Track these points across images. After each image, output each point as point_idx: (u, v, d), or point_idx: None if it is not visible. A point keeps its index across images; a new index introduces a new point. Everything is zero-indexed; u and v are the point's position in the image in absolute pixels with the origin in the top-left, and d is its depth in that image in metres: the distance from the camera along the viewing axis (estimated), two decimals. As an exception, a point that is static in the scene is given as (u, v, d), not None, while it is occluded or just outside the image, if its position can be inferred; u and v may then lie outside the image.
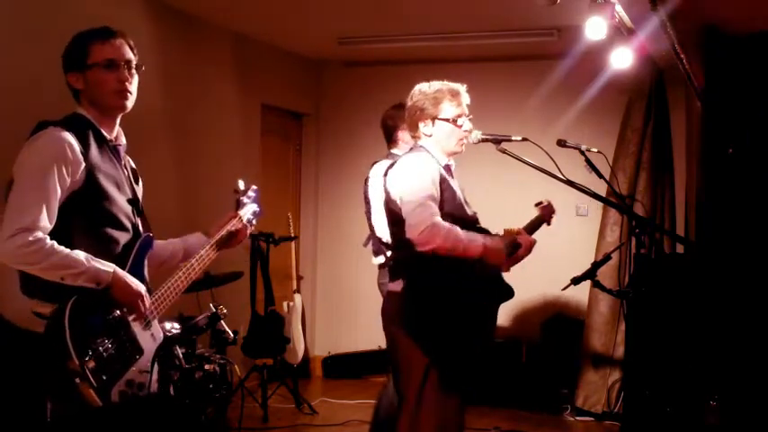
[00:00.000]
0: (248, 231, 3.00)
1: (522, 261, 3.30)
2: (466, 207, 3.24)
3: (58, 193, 2.40)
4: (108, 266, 2.44)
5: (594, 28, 4.26)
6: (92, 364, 2.30)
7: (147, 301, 2.54)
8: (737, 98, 5.12)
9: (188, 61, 5.61)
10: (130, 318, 2.49)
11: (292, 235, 6.53)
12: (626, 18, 4.55)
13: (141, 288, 2.52)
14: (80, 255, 2.39)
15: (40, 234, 2.34)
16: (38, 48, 4.42)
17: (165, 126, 5.37)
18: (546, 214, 3.57)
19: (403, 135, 4.28)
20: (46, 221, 2.36)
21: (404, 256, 3.18)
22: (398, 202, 3.14)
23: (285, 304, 6.45)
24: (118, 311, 2.46)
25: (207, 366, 4.01)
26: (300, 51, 7.02)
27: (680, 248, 5.71)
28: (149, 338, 2.54)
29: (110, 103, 2.59)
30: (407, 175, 3.14)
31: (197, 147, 5.84)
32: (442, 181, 3.14)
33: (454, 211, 3.15)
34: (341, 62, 7.28)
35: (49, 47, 4.47)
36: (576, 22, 4.82)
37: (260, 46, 6.58)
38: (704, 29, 5.11)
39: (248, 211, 3.04)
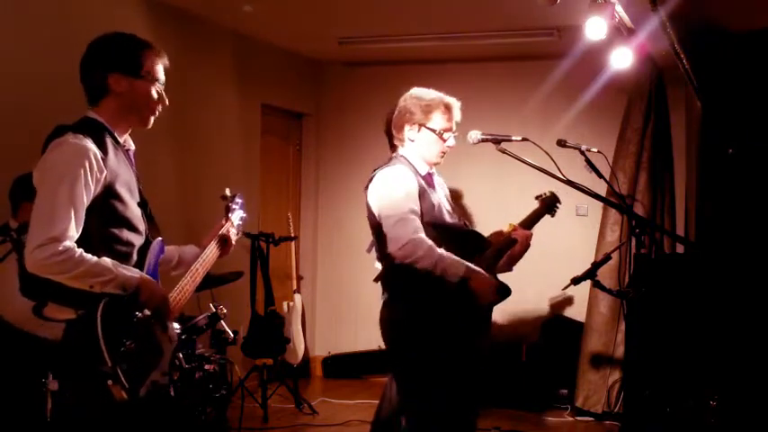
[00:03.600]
0: (236, 238, 3.02)
1: (523, 258, 3.29)
2: (447, 215, 3.19)
3: (84, 202, 2.40)
4: (134, 272, 2.47)
5: (594, 28, 4.26)
6: (123, 367, 2.34)
7: (170, 303, 2.59)
8: (737, 98, 5.12)
9: (188, 61, 5.61)
10: (152, 321, 2.52)
11: (292, 235, 6.53)
12: (626, 18, 4.55)
13: (165, 292, 2.57)
14: (107, 262, 2.41)
15: (68, 243, 2.34)
16: (37, 46, 4.42)
17: (165, 126, 5.36)
18: (545, 207, 3.45)
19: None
20: (74, 231, 2.37)
21: (387, 269, 3.17)
22: (377, 217, 3.13)
23: (285, 304, 6.45)
24: (140, 314, 2.49)
25: (207, 366, 4.02)
26: (300, 51, 7.02)
27: (680, 248, 5.71)
28: (167, 341, 2.58)
29: (144, 116, 2.61)
30: (386, 190, 3.12)
31: (197, 147, 5.84)
32: (422, 192, 3.12)
33: (435, 220, 3.12)
34: (341, 62, 7.28)
35: (49, 45, 4.49)
36: (576, 22, 4.82)
37: (260, 46, 6.58)
38: (704, 29, 5.11)
39: (237, 217, 3.08)
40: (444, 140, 3.20)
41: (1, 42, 4.25)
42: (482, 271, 3.07)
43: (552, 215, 3.45)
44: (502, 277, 3.27)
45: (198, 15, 5.75)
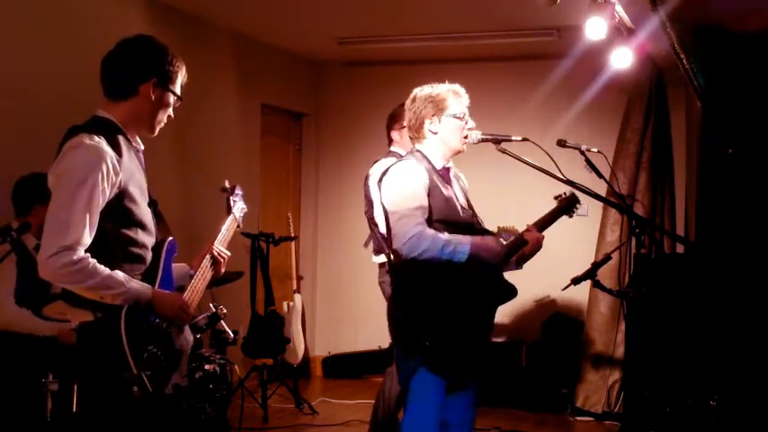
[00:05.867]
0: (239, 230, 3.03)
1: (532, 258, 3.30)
2: (461, 210, 3.22)
3: (100, 208, 2.39)
4: (145, 287, 2.47)
5: (594, 28, 4.26)
6: (147, 372, 2.35)
7: (189, 307, 2.60)
8: (737, 98, 5.11)
9: (188, 61, 5.56)
10: (169, 324, 2.54)
11: (292, 235, 6.53)
12: (626, 18, 4.55)
13: (180, 298, 2.57)
14: (120, 275, 2.40)
15: (82, 253, 2.33)
16: (38, 46, 4.42)
17: (165, 126, 5.35)
18: (562, 207, 3.39)
19: (394, 135, 4.34)
20: (88, 237, 2.36)
21: (394, 263, 3.21)
22: (386, 212, 3.19)
23: (285, 304, 6.44)
24: (158, 319, 2.50)
25: (207, 366, 4.01)
26: (300, 51, 7.02)
27: (680, 248, 5.71)
28: (184, 342, 2.59)
29: (155, 125, 2.63)
30: (394, 186, 3.17)
31: (197, 147, 5.84)
32: (433, 188, 3.14)
33: (446, 216, 3.15)
34: (341, 62, 7.28)
35: (49, 45, 4.49)
36: (576, 22, 4.82)
37: (260, 46, 6.58)
38: (704, 29, 5.11)
39: (238, 209, 3.08)
40: (466, 123, 3.24)
41: (1, 42, 4.24)
42: (486, 240, 3.12)
43: (570, 216, 3.41)
44: (507, 277, 3.28)
45: (198, 15, 5.75)
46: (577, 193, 3.40)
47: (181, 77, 2.66)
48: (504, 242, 3.21)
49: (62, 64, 4.48)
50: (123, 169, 2.46)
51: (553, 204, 3.40)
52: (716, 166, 5.22)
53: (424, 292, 3.09)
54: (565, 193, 3.41)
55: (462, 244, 3.06)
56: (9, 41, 4.27)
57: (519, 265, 3.32)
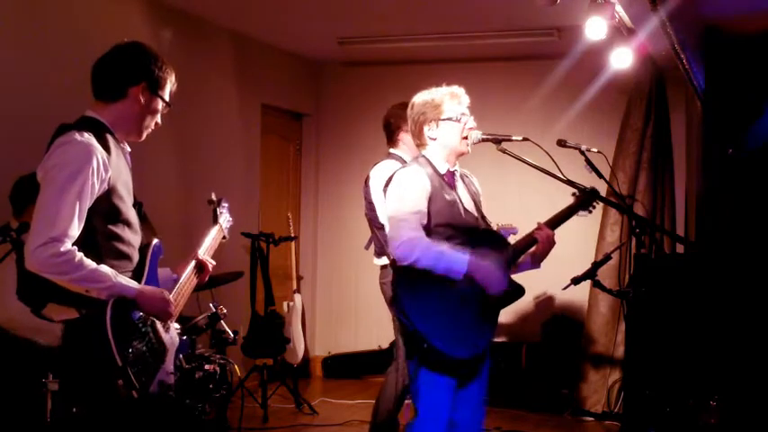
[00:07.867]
0: (224, 242, 3.04)
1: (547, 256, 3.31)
2: (463, 213, 3.21)
3: (88, 203, 2.41)
4: (132, 283, 2.48)
5: (594, 28, 4.27)
6: (133, 368, 2.36)
7: (174, 304, 2.60)
8: (737, 98, 5.12)
9: (188, 61, 5.60)
10: (155, 321, 2.54)
11: (292, 235, 6.53)
12: (626, 18, 4.55)
13: (165, 294, 2.57)
14: (106, 269, 2.42)
15: (69, 245, 2.35)
16: (38, 47, 4.42)
17: (165, 126, 5.33)
18: (578, 203, 3.37)
19: (404, 136, 4.29)
20: (75, 230, 2.38)
21: (393, 268, 3.21)
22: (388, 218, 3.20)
23: (285, 304, 6.44)
24: (142, 314, 2.51)
25: (207, 366, 4.01)
26: (300, 51, 7.02)
27: (680, 248, 5.71)
28: (170, 340, 2.60)
29: (142, 129, 2.65)
30: (393, 192, 3.17)
31: (197, 147, 5.84)
32: (435, 192, 3.13)
33: (450, 220, 3.13)
34: (341, 62, 7.28)
35: (50, 45, 4.49)
36: (576, 22, 4.82)
37: (260, 46, 6.58)
38: (704, 29, 5.12)
39: (224, 220, 3.11)
40: (464, 123, 3.22)
41: (1, 41, 4.25)
42: (487, 262, 3.06)
43: (590, 212, 3.40)
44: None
45: (198, 15, 5.75)
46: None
47: (170, 84, 2.69)
48: (510, 251, 3.20)
49: (62, 64, 4.48)
50: (112, 167, 2.48)
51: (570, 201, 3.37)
52: (716, 166, 5.23)
53: (426, 292, 3.08)
54: (584, 189, 3.34)
55: (458, 262, 3.01)
56: (9, 42, 4.27)
57: (536, 265, 3.31)
